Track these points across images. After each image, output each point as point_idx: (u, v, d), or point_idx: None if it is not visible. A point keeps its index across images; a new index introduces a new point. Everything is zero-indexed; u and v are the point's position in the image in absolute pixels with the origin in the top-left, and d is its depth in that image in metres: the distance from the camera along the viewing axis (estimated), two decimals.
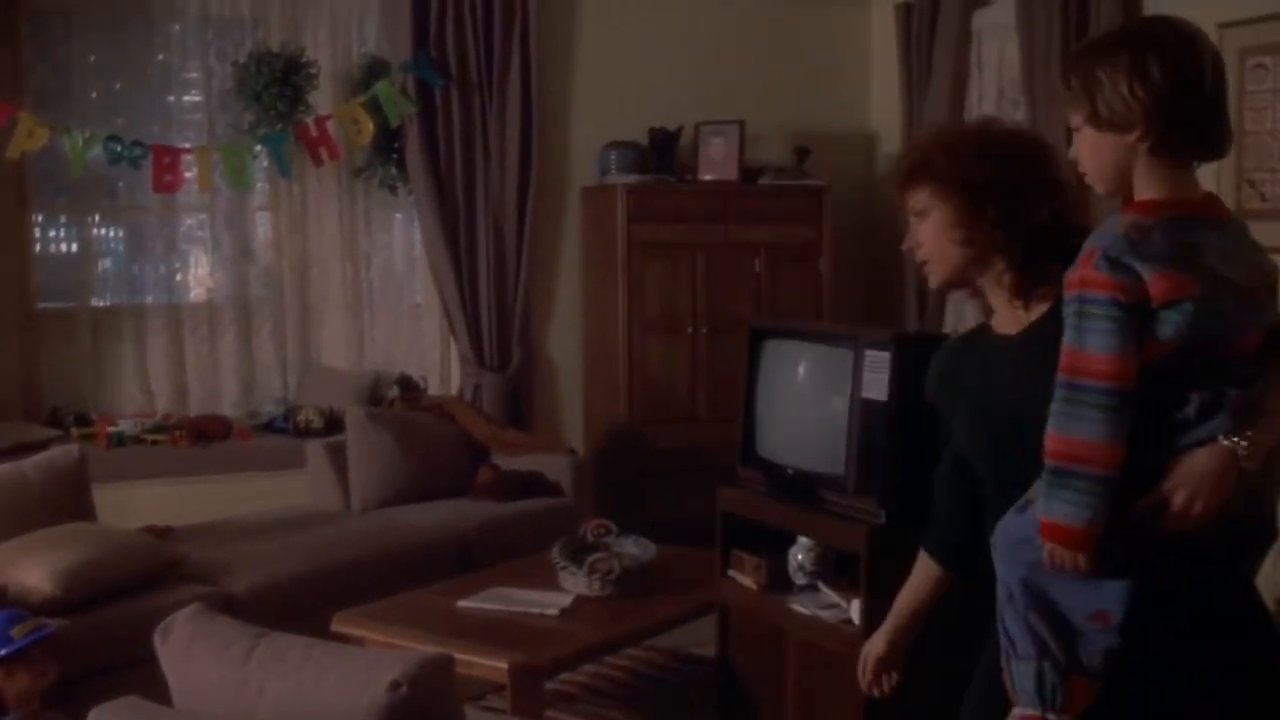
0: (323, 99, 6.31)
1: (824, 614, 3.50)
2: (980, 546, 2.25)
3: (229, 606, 4.09)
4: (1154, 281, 1.97)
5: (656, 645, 4.56)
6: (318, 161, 6.08)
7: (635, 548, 4.32)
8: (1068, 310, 2.02)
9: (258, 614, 3.72)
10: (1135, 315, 1.98)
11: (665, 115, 6.39)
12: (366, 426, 5.47)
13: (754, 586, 3.74)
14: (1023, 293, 2.27)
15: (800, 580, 3.66)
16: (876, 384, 3.35)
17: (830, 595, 3.55)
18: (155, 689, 2.60)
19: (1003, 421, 2.23)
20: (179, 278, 6.60)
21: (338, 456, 5.49)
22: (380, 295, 6.80)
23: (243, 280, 6.61)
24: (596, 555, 4.21)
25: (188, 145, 6.03)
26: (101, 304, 6.45)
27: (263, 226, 6.69)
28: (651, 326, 6.22)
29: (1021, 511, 2.12)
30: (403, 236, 6.84)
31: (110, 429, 5.92)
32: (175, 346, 6.44)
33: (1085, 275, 2.00)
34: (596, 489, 6.05)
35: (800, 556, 3.66)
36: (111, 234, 6.60)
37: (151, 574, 4.24)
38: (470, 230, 6.26)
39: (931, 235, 2.33)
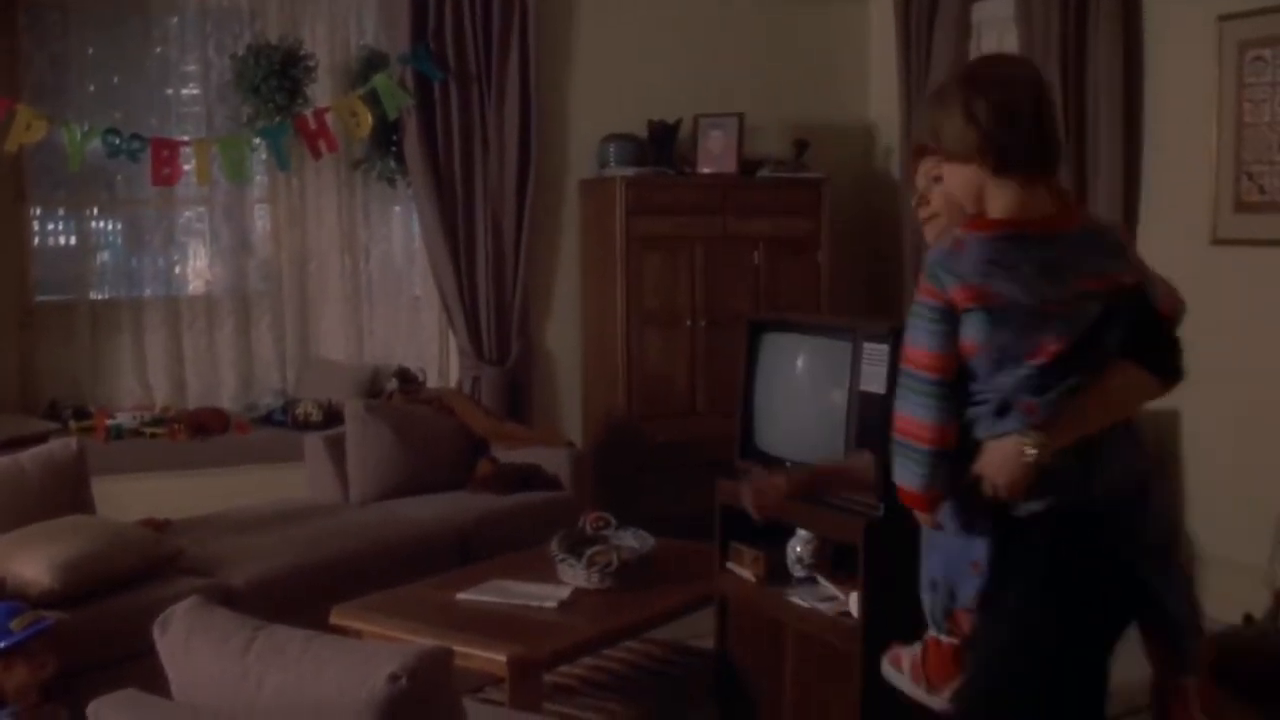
0: (321, 92, 6.31)
1: (822, 606, 3.50)
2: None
3: (228, 599, 4.08)
4: (954, 291, 2.37)
5: (655, 638, 4.55)
6: (316, 154, 6.07)
7: (634, 540, 4.32)
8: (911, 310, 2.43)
9: (256, 607, 3.71)
10: (948, 319, 2.38)
11: (664, 108, 6.39)
12: (365, 419, 5.47)
13: (753, 579, 3.74)
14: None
15: (799, 573, 3.66)
16: (875, 376, 3.35)
17: (829, 588, 3.55)
18: (154, 682, 2.60)
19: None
20: (177, 271, 6.60)
21: (336, 449, 5.49)
22: (379, 288, 6.80)
23: (241, 273, 6.61)
24: (595, 548, 4.20)
25: (186, 138, 6.02)
26: (100, 297, 6.45)
27: (261, 219, 6.68)
28: (650, 319, 6.22)
29: None
30: (401, 229, 6.84)
31: (109, 422, 5.92)
32: (174, 340, 6.44)
33: (919, 281, 2.44)
34: (595, 482, 6.06)
35: (799, 549, 3.66)
36: (110, 227, 6.60)
37: (150, 567, 4.24)
38: (469, 223, 6.26)
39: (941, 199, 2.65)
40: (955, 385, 2.41)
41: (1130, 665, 2.67)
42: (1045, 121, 2.45)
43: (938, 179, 2.63)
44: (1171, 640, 2.58)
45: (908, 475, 2.47)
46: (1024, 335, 2.37)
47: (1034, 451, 2.36)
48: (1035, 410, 2.37)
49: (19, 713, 3.44)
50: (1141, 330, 2.48)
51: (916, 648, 2.78)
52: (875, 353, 3.35)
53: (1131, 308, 2.46)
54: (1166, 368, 2.54)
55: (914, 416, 2.45)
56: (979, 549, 2.49)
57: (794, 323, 3.95)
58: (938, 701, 2.70)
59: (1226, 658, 2.62)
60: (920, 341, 2.44)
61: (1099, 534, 2.42)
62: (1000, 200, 2.43)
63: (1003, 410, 2.40)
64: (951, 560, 2.56)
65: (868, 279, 6.88)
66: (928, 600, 2.66)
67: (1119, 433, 2.47)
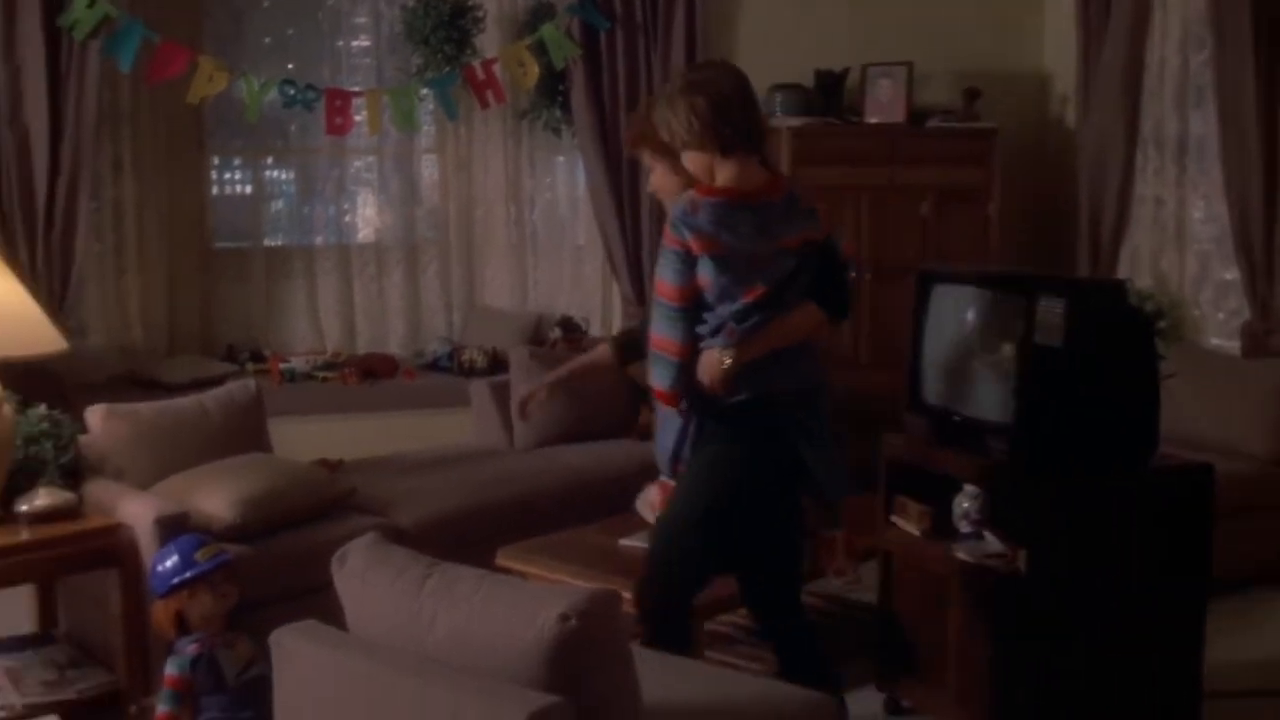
0: (489, 42, 6.36)
1: (989, 562, 3.44)
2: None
3: (396, 539, 4.15)
4: (691, 240, 3.10)
5: (816, 590, 4.54)
6: (484, 104, 6.14)
7: None
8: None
9: (423, 547, 3.76)
10: (687, 262, 3.11)
11: (832, 57, 6.29)
12: (529, 366, 5.53)
13: (917, 533, 3.70)
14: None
15: (965, 528, 3.61)
16: (1050, 331, 3.27)
17: (996, 543, 3.49)
18: (330, 616, 2.69)
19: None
20: (347, 219, 6.75)
21: (501, 395, 5.56)
22: (543, 237, 6.86)
23: (409, 221, 6.74)
24: None
25: (357, 89, 6.14)
26: (274, 244, 6.63)
27: (429, 168, 6.79)
28: None
29: None
30: (565, 179, 6.88)
31: (282, 365, 6.10)
32: (344, 286, 6.60)
33: (665, 231, 3.14)
34: None
35: (965, 504, 3.60)
36: (283, 176, 6.78)
37: (324, 505, 4.36)
38: (633, 172, 6.26)
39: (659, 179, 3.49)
40: (694, 312, 3.16)
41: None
42: (750, 111, 3.20)
43: (652, 168, 3.46)
44: (822, 503, 3.59)
45: (661, 379, 3.22)
46: (740, 279, 3.13)
47: (729, 362, 3.14)
48: (734, 333, 3.15)
49: (204, 640, 3.58)
50: (823, 276, 3.30)
51: (654, 487, 3.84)
52: (1050, 306, 3.27)
53: (818, 256, 3.27)
54: (837, 308, 3.37)
55: (665, 335, 3.18)
56: (696, 423, 3.28)
57: (966, 275, 3.86)
58: None
59: None
60: (668, 278, 3.15)
61: (774, 418, 3.24)
62: (724, 174, 3.15)
63: (716, 331, 3.17)
64: (680, 431, 3.32)
65: (1038, 232, 6.70)
66: (662, 458, 3.43)
67: (797, 351, 3.27)
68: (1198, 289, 6.10)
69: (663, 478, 3.62)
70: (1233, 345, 5.78)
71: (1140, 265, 6.28)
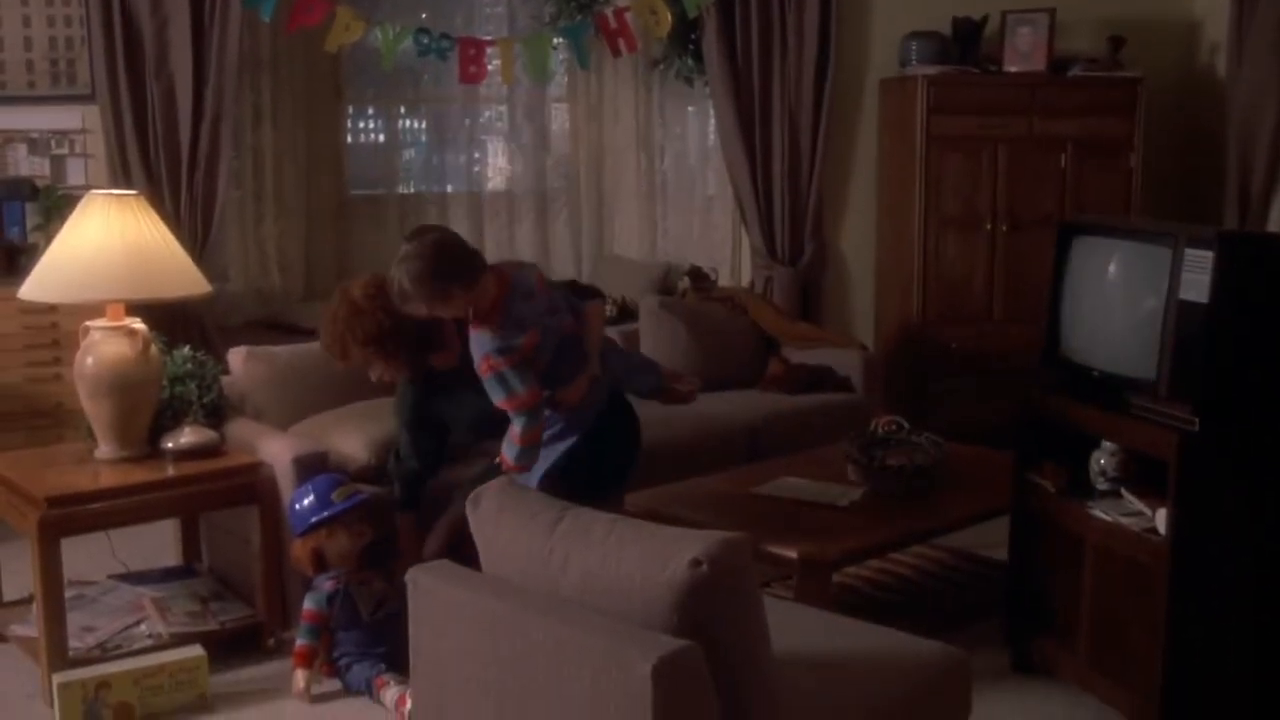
0: None
1: (1126, 521, 3.37)
2: None
3: None
4: (524, 342, 3.44)
5: (946, 544, 4.50)
6: (616, 52, 6.11)
7: (927, 445, 4.24)
8: (488, 381, 3.44)
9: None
10: (526, 363, 3.45)
11: (970, 3, 6.15)
12: (659, 316, 5.54)
13: (1052, 490, 3.63)
14: None
15: (1102, 485, 3.54)
16: (1196, 285, 3.17)
17: (1134, 503, 3.41)
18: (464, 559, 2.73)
19: None
20: (478, 168, 6.81)
21: (631, 344, 5.57)
22: (674, 187, 6.84)
23: (540, 170, 6.77)
24: (888, 450, 4.16)
25: (490, 38, 6.16)
26: (407, 191, 6.71)
27: (559, 118, 6.80)
28: (949, 223, 6.06)
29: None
30: (696, 129, 6.85)
31: None
32: (476, 233, 6.65)
33: (490, 365, 3.41)
34: (886, 387, 5.97)
35: (1103, 461, 3.53)
36: (416, 125, 6.85)
37: (455, 449, 4.42)
38: (765, 123, 6.21)
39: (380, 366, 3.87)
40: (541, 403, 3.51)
41: None
42: (457, 254, 3.46)
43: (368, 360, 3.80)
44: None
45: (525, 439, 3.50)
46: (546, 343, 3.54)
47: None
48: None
49: (340, 576, 3.67)
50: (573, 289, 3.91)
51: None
52: (1198, 259, 3.17)
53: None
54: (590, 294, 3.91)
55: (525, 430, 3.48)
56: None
57: (1109, 226, 3.76)
58: None
59: None
60: (521, 390, 3.43)
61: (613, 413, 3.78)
62: (484, 295, 3.44)
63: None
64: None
65: (1182, 186, 6.51)
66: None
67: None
68: None
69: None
70: None
71: None
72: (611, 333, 5.75)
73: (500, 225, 6.71)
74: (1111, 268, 3.57)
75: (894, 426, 4.41)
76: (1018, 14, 6.11)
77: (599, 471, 3.69)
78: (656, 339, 5.51)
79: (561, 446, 3.65)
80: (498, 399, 3.45)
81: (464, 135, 6.76)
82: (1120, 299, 3.53)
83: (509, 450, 3.50)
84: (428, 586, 2.63)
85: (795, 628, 2.86)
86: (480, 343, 3.45)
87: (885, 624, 3.06)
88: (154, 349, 3.96)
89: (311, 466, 3.92)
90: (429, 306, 3.45)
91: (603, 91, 6.74)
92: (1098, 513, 3.47)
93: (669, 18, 5.99)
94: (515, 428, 3.48)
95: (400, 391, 3.95)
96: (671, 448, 4.83)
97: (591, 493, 3.29)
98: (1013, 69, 6.11)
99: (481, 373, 3.45)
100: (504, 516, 2.57)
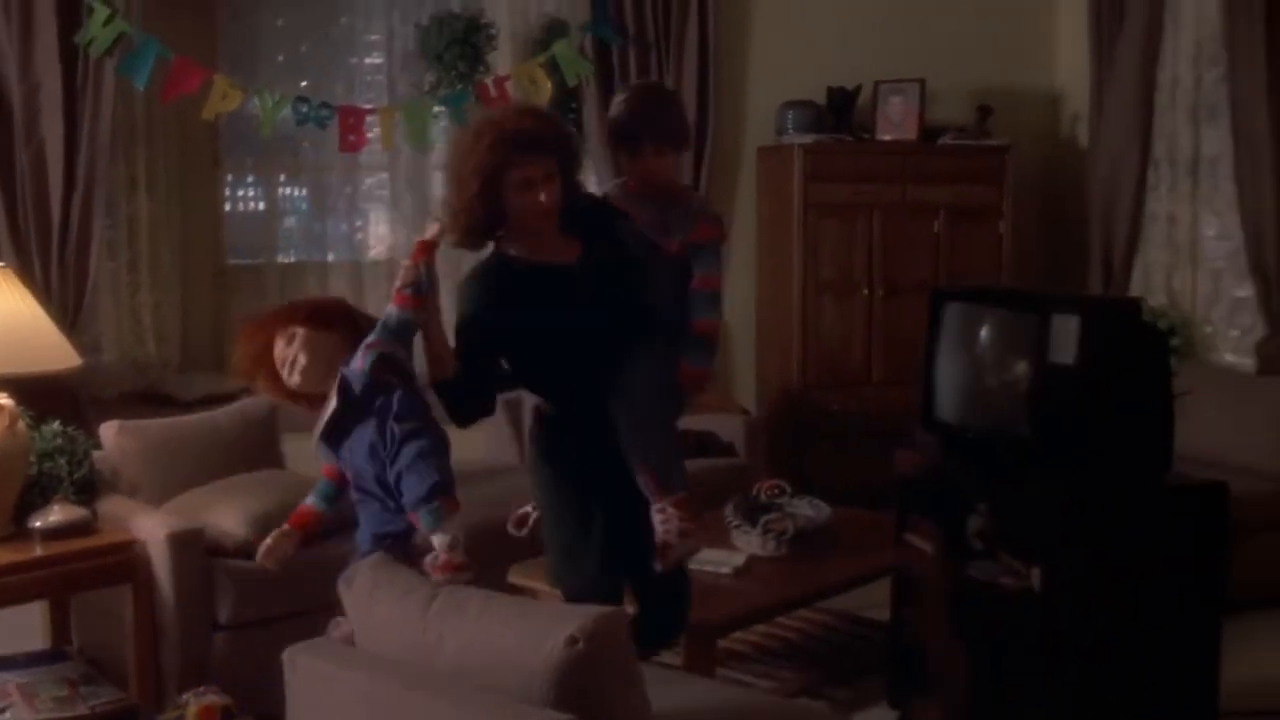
0: (502, 59, 6.37)
1: (1004, 581, 3.43)
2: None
3: (409, 556, 4.17)
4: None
5: (829, 607, 4.53)
6: None
7: (809, 509, 4.29)
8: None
9: None
10: None
11: (843, 74, 6.30)
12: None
13: (930, 551, 3.69)
14: None
15: (978, 546, 3.60)
16: (1065, 349, 3.26)
17: (1011, 563, 3.48)
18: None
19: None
20: (360, 236, 6.76)
21: (513, 412, 5.56)
22: None
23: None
24: (771, 515, 4.19)
25: (370, 105, 6.15)
26: (287, 260, 6.64)
27: (441, 185, 6.79)
28: (826, 288, 6.16)
29: None
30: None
31: None
32: (357, 303, 6.53)
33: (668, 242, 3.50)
34: (768, 451, 6.03)
35: (980, 522, 3.59)
36: (296, 193, 6.79)
37: (338, 522, 4.35)
38: None
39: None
40: None
41: None
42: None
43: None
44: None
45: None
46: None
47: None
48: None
49: None
50: None
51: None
52: (1065, 325, 3.27)
53: None
54: None
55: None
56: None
57: (979, 293, 3.87)
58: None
59: None
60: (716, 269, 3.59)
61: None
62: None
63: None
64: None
65: (1050, 250, 6.70)
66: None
67: None
68: (1210, 306, 6.09)
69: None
70: (1246, 363, 5.76)
71: (1153, 283, 6.27)
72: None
73: (381, 295, 6.65)
74: (983, 333, 3.66)
75: (777, 491, 4.45)
76: (890, 84, 6.27)
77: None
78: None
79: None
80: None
81: (345, 203, 6.72)
82: (992, 363, 3.62)
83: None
84: (304, 665, 2.58)
85: (680, 695, 2.86)
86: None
87: (772, 687, 3.07)
88: (21, 424, 3.86)
89: (187, 543, 3.83)
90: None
91: None
92: (975, 573, 3.53)
93: (549, 86, 6.04)
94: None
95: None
96: None
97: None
98: (886, 137, 6.26)
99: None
100: (378, 594, 2.54)
